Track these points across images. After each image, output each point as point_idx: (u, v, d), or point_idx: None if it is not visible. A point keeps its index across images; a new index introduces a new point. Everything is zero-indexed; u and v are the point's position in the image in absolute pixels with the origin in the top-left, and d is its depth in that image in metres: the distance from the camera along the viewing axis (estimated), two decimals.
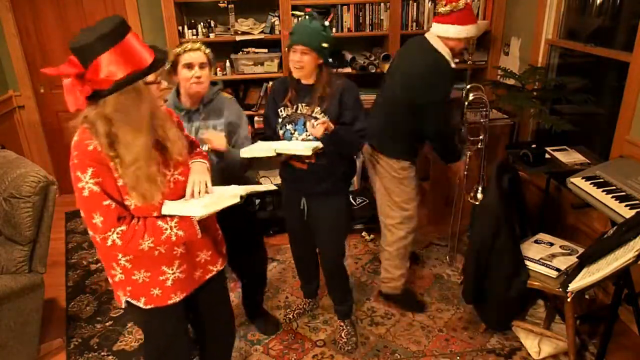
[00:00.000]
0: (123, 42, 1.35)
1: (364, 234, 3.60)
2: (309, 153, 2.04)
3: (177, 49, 2.07)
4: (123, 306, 1.69)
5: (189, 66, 2.04)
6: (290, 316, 2.75)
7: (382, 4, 3.68)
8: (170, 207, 1.51)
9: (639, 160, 2.48)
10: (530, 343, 2.49)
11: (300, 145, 2.10)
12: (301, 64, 2.06)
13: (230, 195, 1.57)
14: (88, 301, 2.97)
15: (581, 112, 3.19)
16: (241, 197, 1.57)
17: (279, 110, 2.22)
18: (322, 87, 2.12)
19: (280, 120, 2.22)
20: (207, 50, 2.09)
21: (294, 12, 3.53)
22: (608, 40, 2.88)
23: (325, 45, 2.06)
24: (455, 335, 2.63)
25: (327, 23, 2.15)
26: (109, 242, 1.45)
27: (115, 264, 1.61)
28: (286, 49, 2.13)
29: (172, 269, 1.63)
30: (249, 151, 2.08)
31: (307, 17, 2.11)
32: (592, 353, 2.45)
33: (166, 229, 1.49)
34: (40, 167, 2.38)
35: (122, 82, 1.34)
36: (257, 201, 3.67)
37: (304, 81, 2.15)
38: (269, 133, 2.33)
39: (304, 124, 2.15)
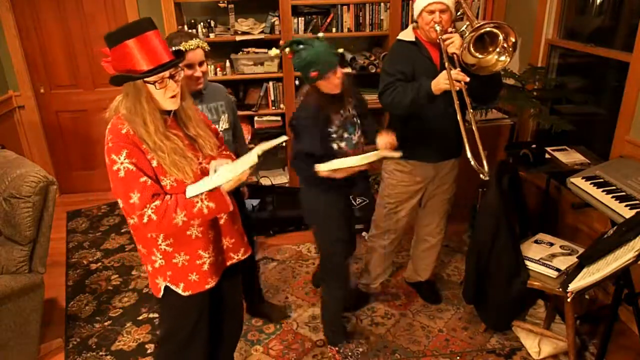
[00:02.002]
0: (139, 38, 1.46)
1: (364, 234, 3.60)
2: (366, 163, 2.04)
3: (176, 47, 2.07)
4: (160, 294, 1.74)
5: (190, 66, 2.08)
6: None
7: (382, 4, 3.68)
8: (191, 189, 1.56)
9: (639, 160, 2.48)
10: (530, 343, 2.49)
11: (354, 159, 2.06)
12: (342, 79, 2.10)
13: (247, 157, 1.60)
14: (87, 301, 2.97)
15: (581, 112, 3.19)
16: (258, 156, 1.58)
17: (329, 129, 2.17)
18: (346, 89, 2.18)
19: (334, 136, 2.18)
20: (204, 44, 2.13)
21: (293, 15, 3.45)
22: (608, 40, 2.88)
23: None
24: (455, 335, 2.63)
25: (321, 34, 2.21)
26: (145, 219, 1.51)
27: (155, 250, 1.68)
28: (310, 82, 2.12)
29: (208, 253, 1.71)
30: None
31: (316, 42, 2.07)
32: (592, 353, 2.45)
33: (197, 202, 1.55)
34: (40, 167, 2.38)
35: (119, 77, 1.48)
36: (257, 201, 3.67)
37: (335, 92, 2.15)
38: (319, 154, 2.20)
39: (351, 124, 2.21)
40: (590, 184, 2.29)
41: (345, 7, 3.67)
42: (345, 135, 2.20)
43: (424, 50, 2.30)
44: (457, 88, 2.04)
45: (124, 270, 3.26)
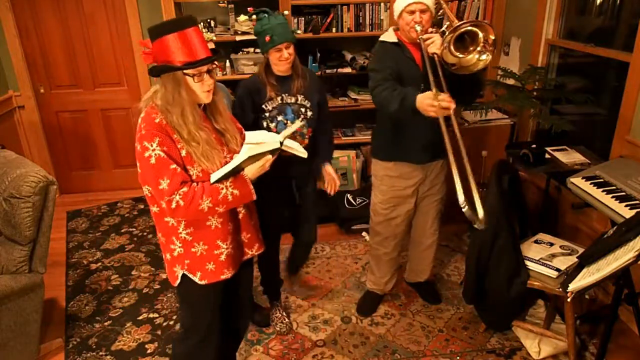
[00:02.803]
0: (180, 33, 1.53)
1: (364, 234, 3.60)
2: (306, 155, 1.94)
3: None
4: (177, 282, 1.79)
5: None
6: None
7: (382, 4, 3.68)
8: (215, 174, 1.62)
9: (639, 160, 2.48)
10: (530, 343, 2.49)
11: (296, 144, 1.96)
12: (290, 58, 2.22)
13: (272, 139, 1.68)
14: (87, 301, 2.97)
15: (581, 112, 3.19)
16: (281, 142, 1.66)
17: (263, 105, 2.30)
18: (298, 75, 2.31)
19: (267, 114, 2.31)
20: (212, 45, 2.13)
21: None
22: (608, 40, 2.88)
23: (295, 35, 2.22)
24: (455, 335, 2.63)
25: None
26: (174, 205, 1.57)
27: (175, 238, 1.73)
28: (263, 50, 2.24)
29: (226, 244, 1.77)
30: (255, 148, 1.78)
31: (267, 15, 2.20)
32: (592, 353, 2.45)
33: (222, 189, 1.62)
34: (40, 167, 2.38)
35: (160, 67, 1.56)
36: None
37: (282, 74, 2.29)
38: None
39: (293, 112, 2.31)
40: (590, 184, 2.29)
41: (345, 7, 3.66)
42: (280, 117, 2.30)
43: (406, 51, 2.30)
44: (444, 115, 1.95)
45: (124, 270, 3.26)
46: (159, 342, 2.60)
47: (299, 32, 3.62)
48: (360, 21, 3.72)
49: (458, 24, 2.04)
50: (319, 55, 3.77)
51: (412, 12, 2.19)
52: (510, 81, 3.22)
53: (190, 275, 1.77)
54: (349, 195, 3.79)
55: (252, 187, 1.68)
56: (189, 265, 1.76)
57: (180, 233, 1.72)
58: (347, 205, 3.73)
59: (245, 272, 1.97)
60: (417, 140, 2.38)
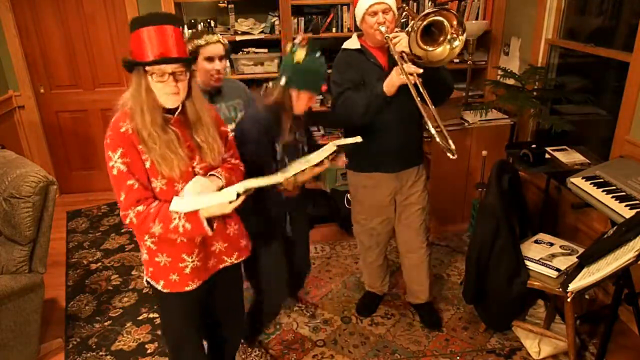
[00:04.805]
0: (150, 28, 1.46)
1: None
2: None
3: (198, 40, 2.11)
4: (145, 284, 1.81)
5: (210, 59, 2.11)
6: None
7: None
8: (175, 202, 1.55)
9: (639, 160, 2.48)
10: (530, 343, 2.49)
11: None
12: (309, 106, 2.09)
13: (224, 193, 1.56)
14: (87, 301, 2.97)
15: (581, 112, 3.18)
16: (238, 194, 1.53)
17: (276, 144, 2.04)
18: (304, 118, 2.14)
19: (278, 156, 2.05)
20: (225, 41, 2.18)
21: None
22: (608, 40, 2.88)
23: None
24: (455, 335, 2.63)
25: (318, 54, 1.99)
26: (127, 220, 1.56)
27: (142, 243, 1.71)
28: (284, 86, 1.97)
29: (192, 257, 1.70)
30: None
31: (311, 51, 1.92)
32: (592, 353, 2.45)
33: (175, 218, 1.55)
34: (40, 167, 2.38)
35: (125, 61, 1.51)
36: None
37: (298, 112, 2.07)
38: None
39: (295, 151, 2.10)
40: (590, 184, 2.29)
41: (345, 7, 3.66)
42: (286, 160, 2.02)
43: (370, 56, 2.26)
44: (413, 81, 2.00)
45: (124, 270, 3.26)
46: (159, 342, 2.60)
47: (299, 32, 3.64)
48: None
49: (419, 15, 2.03)
50: None
51: (375, 14, 2.15)
52: (510, 81, 3.22)
53: (153, 283, 1.74)
54: (348, 195, 3.79)
55: (205, 223, 1.56)
56: (152, 273, 1.73)
57: (146, 241, 1.69)
58: (347, 205, 3.72)
59: (225, 279, 1.87)
60: (387, 149, 2.33)
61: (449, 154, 1.96)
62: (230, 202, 1.54)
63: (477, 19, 3.81)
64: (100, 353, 2.56)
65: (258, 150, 1.96)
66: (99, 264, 3.35)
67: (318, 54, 1.95)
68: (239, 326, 2.13)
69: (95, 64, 4.04)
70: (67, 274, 3.25)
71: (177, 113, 1.60)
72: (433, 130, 1.92)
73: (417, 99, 2.00)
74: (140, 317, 2.81)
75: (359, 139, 1.93)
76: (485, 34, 3.75)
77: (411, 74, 2.01)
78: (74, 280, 3.19)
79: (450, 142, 1.97)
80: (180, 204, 1.53)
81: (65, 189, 4.35)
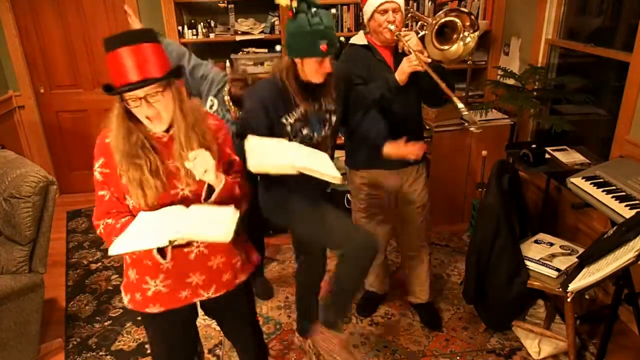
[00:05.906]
0: (116, 52, 1.35)
1: None
2: (339, 182, 1.74)
3: None
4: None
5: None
6: None
7: None
8: (113, 245, 1.43)
9: (639, 160, 2.48)
10: (530, 343, 2.49)
11: (326, 167, 1.77)
12: (330, 68, 1.83)
13: (157, 237, 1.40)
14: (87, 301, 2.97)
15: (581, 112, 3.19)
16: (170, 241, 1.39)
17: (282, 119, 1.90)
18: (330, 81, 1.91)
19: (289, 128, 1.91)
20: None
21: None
22: (608, 40, 2.88)
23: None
24: (455, 335, 2.63)
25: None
26: (98, 230, 1.56)
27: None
28: (300, 54, 1.80)
29: (155, 282, 1.62)
30: (258, 165, 1.65)
31: (316, 8, 1.74)
32: (592, 353, 2.45)
33: None
34: (40, 167, 2.38)
35: (105, 86, 1.41)
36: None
37: (315, 81, 1.87)
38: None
39: (319, 122, 1.96)
40: (590, 184, 2.29)
41: (345, 7, 3.67)
42: (305, 131, 1.93)
43: (377, 54, 2.27)
44: (424, 65, 2.03)
45: (124, 270, 3.26)
46: None
47: None
48: (360, 21, 3.72)
49: (434, 18, 2.10)
50: None
51: (385, 12, 2.16)
52: (510, 81, 3.22)
53: (123, 294, 1.71)
54: (349, 195, 3.79)
55: (154, 252, 1.51)
56: (124, 285, 1.71)
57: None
58: (347, 205, 3.73)
59: (221, 307, 1.76)
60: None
61: (472, 128, 1.98)
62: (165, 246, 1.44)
63: (477, 19, 3.81)
64: (100, 353, 2.56)
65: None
66: (99, 264, 3.35)
67: (314, 10, 1.72)
68: (251, 350, 1.99)
69: (95, 64, 4.04)
70: (67, 274, 3.26)
71: (171, 130, 1.50)
72: (460, 104, 1.95)
73: (439, 80, 2.01)
74: (140, 317, 2.80)
75: (338, 180, 1.71)
76: (485, 34, 3.75)
77: (420, 52, 2.07)
78: (74, 280, 3.19)
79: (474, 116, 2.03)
80: (117, 246, 1.41)
81: (65, 189, 4.36)
